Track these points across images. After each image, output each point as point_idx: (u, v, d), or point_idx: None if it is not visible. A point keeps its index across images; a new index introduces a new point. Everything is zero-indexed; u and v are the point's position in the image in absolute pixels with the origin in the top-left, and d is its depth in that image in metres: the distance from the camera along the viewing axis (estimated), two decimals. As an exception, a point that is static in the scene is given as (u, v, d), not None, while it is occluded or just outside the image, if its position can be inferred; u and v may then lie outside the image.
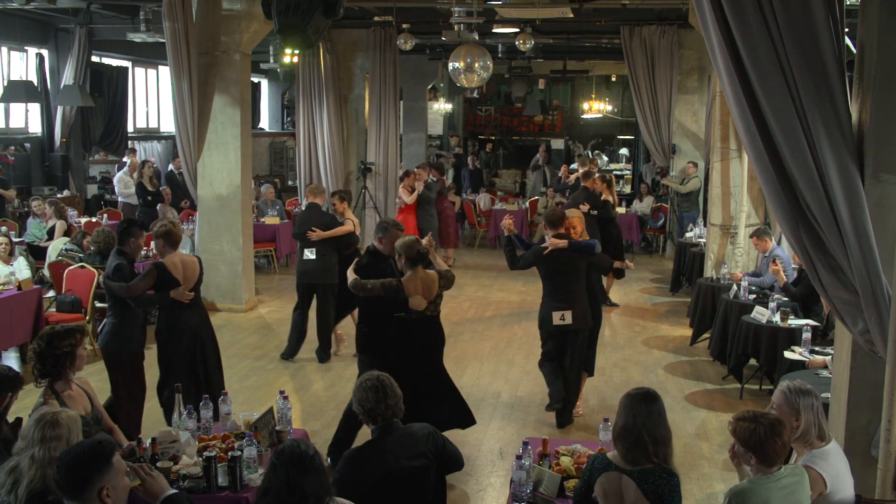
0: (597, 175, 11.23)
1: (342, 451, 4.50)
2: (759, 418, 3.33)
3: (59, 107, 14.63)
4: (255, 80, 21.34)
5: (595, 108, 23.97)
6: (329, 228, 8.37)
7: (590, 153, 24.27)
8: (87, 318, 8.42)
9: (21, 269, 8.58)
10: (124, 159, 15.20)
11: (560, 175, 15.10)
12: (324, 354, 8.49)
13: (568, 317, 6.49)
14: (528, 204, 16.09)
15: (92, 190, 15.69)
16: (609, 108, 25.25)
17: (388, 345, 5.74)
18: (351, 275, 5.78)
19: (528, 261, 6.73)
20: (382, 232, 6.09)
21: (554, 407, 6.68)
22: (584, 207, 10.22)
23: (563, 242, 6.50)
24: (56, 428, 3.32)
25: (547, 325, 6.62)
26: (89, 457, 2.90)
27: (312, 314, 8.61)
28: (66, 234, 10.38)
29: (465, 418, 5.96)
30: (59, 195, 13.59)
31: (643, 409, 3.42)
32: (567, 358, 6.64)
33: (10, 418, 4.25)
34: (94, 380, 6.83)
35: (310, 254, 8.37)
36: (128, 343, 6.01)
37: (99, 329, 6.30)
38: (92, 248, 9.03)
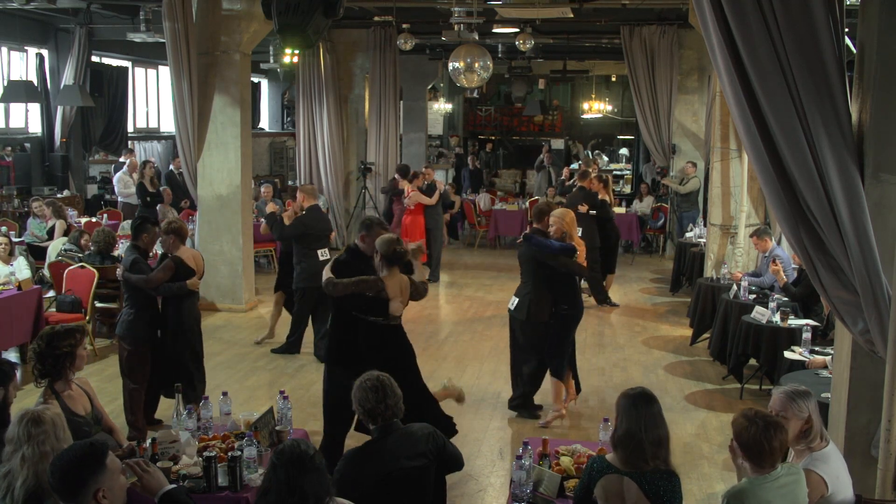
0: (593, 175, 11.20)
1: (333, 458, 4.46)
2: (756, 417, 3.32)
3: (59, 107, 14.64)
4: (255, 80, 21.34)
5: (595, 108, 23.98)
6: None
7: (590, 153, 24.29)
8: (87, 318, 8.43)
9: (21, 269, 8.58)
10: (121, 159, 15.18)
11: (563, 178, 15.08)
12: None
13: (514, 303, 6.92)
14: (527, 204, 16.08)
15: (92, 190, 15.70)
16: (609, 108, 25.26)
17: (363, 353, 5.39)
18: (326, 272, 5.43)
19: None
20: (366, 229, 5.63)
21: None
22: (583, 208, 10.24)
23: (521, 237, 7.09)
24: (40, 424, 3.31)
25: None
26: (81, 459, 2.89)
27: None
28: (66, 233, 10.38)
29: (447, 430, 5.50)
30: (59, 195, 13.59)
31: (643, 412, 3.41)
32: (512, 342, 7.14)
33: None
34: (94, 380, 6.86)
35: (325, 254, 8.39)
36: (142, 332, 6.34)
37: (117, 319, 6.67)
38: (92, 248, 9.04)
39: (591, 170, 12.68)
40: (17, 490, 3.21)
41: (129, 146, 16.49)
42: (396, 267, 5.40)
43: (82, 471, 2.87)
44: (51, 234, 10.77)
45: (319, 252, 8.39)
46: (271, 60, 17.08)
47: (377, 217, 6.18)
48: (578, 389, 7.18)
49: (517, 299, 6.88)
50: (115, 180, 14.50)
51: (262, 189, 13.83)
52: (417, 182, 12.15)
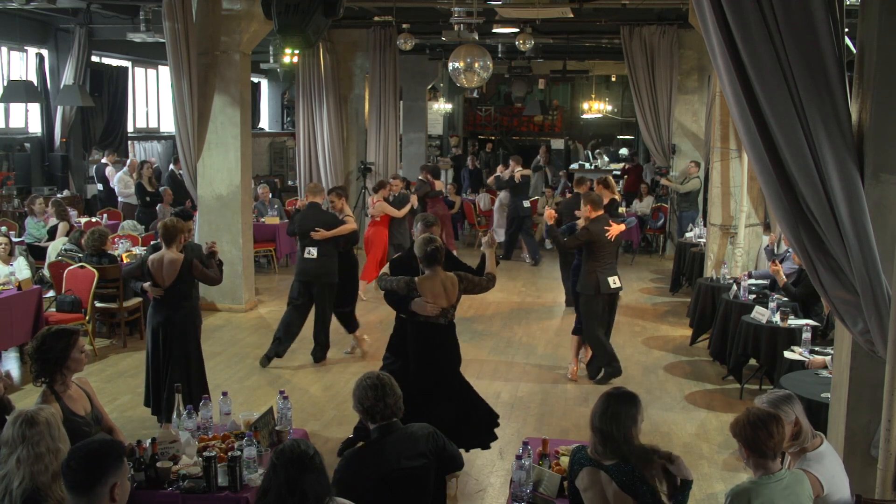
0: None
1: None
2: (750, 410, 3.41)
3: (59, 107, 14.63)
4: (255, 80, 21.34)
5: (595, 108, 23.98)
6: (332, 227, 8.36)
7: (590, 153, 24.31)
8: (87, 318, 8.42)
9: (21, 269, 8.57)
10: (103, 160, 15.12)
11: (499, 173, 15.05)
12: (320, 354, 8.50)
13: (618, 281, 7.72)
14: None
15: (92, 190, 15.67)
16: (609, 108, 25.26)
17: (410, 350, 5.60)
18: (384, 269, 5.77)
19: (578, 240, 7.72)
20: (426, 227, 5.83)
21: (618, 370, 7.85)
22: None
23: (622, 227, 7.72)
24: (34, 426, 3.30)
25: (604, 289, 7.63)
26: (105, 452, 2.89)
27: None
28: (68, 234, 10.36)
29: (486, 437, 5.75)
30: (59, 195, 13.57)
31: (621, 410, 3.48)
32: (611, 319, 7.93)
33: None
34: (94, 380, 6.87)
35: (311, 252, 8.31)
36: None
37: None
38: (87, 250, 9.01)
39: (516, 166, 13.66)
40: (14, 492, 3.20)
41: (128, 147, 16.49)
42: (437, 266, 5.39)
43: (102, 463, 2.86)
44: (51, 234, 10.76)
45: (308, 249, 8.30)
46: (271, 60, 17.07)
47: (432, 215, 6.08)
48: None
49: (617, 276, 7.70)
50: (114, 180, 14.50)
51: (259, 190, 13.86)
52: (384, 192, 11.15)
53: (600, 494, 3.45)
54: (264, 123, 23.09)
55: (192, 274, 6.26)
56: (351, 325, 8.69)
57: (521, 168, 13.91)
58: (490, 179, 15.11)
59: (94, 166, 15.54)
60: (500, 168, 15.24)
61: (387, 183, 11.42)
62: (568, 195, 14.13)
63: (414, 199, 11.34)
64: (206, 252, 6.52)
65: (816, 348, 6.39)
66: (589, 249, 7.62)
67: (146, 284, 6.26)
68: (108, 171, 14.86)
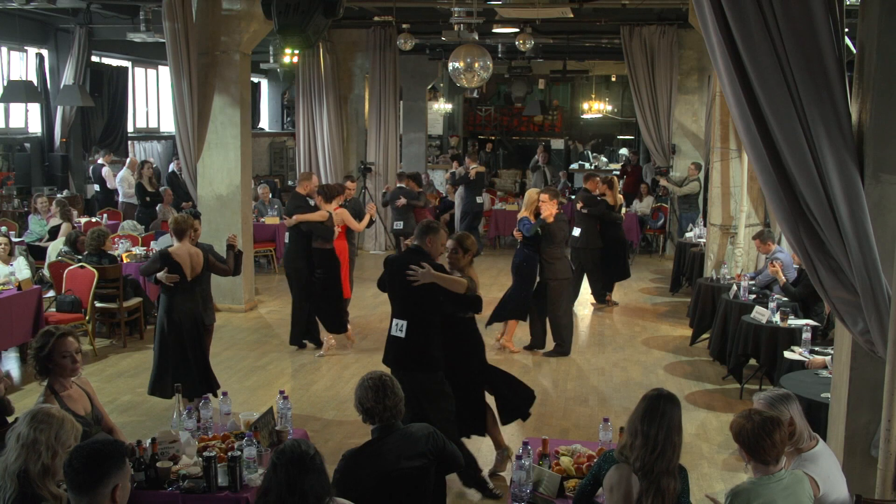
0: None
1: None
2: (752, 414, 3.36)
3: (59, 107, 14.63)
4: (255, 80, 21.33)
5: (595, 108, 23.97)
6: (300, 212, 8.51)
7: (589, 153, 24.30)
8: (87, 318, 8.42)
9: (21, 269, 8.58)
10: (99, 161, 15.11)
11: (454, 170, 15.12)
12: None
13: None
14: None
15: (91, 190, 15.67)
16: (609, 108, 25.25)
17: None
18: None
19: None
20: (433, 234, 5.67)
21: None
22: (579, 206, 10.46)
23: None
24: (50, 417, 3.32)
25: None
26: (108, 452, 2.88)
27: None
28: (68, 235, 10.35)
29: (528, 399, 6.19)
30: (59, 195, 13.57)
31: (667, 411, 3.38)
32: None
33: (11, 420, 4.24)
34: (94, 380, 6.87)
35: (287, 239, 8.87)
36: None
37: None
38: (86, 250, 9.00)
39: (470, 163, 14.19)
40: (10, 467, 3.20)
41: (128, 147, 16.48)
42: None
43: (105, 463, 2.85)
44: (53, 234, 10.75)
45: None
46: (271, 60, 17.07)
47: (435, 221, 6.02)
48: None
49: None
50: (117, 179, 14.50)
51: (259, 190, 13.86)
52: (339, 199, 9.08)
53: (626, 494, 3.38)
54: (264, 123, 23.08)
55: (209, 267, 6.74)
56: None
57: (475, 165, 14.52)
58: (446, 176, 15.19)
59: (91, 167, 15.54)
60: (454, 164, 15.35)
61: (344, 187, 9.80)
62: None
63: (372, 209, 9.95)
64: (227, 244, 6.96)
65: (816, 348, 6.39)
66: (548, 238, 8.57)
67: (160, 274, 6.47)
68: (105, 171, 14.85)
